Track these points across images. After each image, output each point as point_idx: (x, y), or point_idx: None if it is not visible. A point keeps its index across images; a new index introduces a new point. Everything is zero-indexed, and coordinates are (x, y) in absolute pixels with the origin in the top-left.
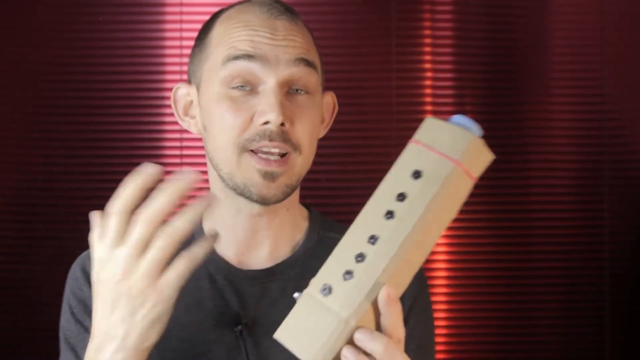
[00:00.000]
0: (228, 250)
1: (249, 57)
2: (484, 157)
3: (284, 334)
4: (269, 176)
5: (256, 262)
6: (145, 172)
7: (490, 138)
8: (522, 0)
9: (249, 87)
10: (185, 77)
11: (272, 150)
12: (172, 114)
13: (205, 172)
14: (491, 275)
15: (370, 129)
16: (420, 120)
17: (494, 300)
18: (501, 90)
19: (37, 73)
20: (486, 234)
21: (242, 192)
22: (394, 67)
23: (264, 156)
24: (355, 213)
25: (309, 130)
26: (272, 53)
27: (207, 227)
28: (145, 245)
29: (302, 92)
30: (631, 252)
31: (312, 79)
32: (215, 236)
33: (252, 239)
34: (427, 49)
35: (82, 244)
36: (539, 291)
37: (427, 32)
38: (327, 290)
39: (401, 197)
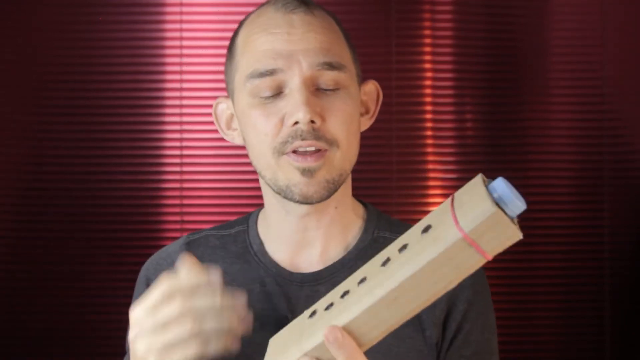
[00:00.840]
0: (279, 254)
1: (272, 72)
2: (506, 236)
3: (274, 341)
4: (307, 172)
5: (307, 264)
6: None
7: (490, 138)
8: (522, 0)
9: (276, 91)
10: (184, 77)
11: (308, 149)
12: (172, 114)
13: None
14: (491, 275)
15: (370, 129)
16: (420, 120)
17: (494, 300)
18: (501, 90)
19: (37, 73)
20: None
21: (285, 195)
22: (394, 67)
23: (300, 153)
24: None
25: (343, 123)
26: (293, 57)
27: (261, 231)
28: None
29: (332, 89)
30: (631, 252)
31: (339, 77)
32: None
33: (302, 239)
34: (427, 49)
35: (82, 244)
36: (539, 291)
37: (427, 32)
38: (313, 313)
39: (403, 248)
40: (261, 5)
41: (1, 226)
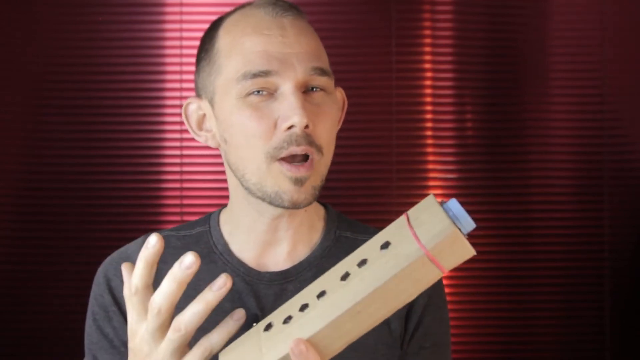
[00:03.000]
0: (246, 253)
1: (266, 73)
2: (462, 253)
3: (225, 356)
4: (298, 182)
5: (274, 263)
6: (149, 246)
7: (490, 138)
8: (522, 0)
9: (267, 91)
10: (184, 77)
11: (298, 159)
12: (172, 114)
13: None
14: (491, 275)
15: (370, 129)
16: (420, 120)
17: (494, 300)
18: (501, 90)
19: (37, 73)
20: (486, 234)
21: (272, 201)
22: (394, 67)
23: (291, 160)
24: (355, 213)
25: (329, 129)
26: (288, 61)
27: (226, 229)
28: (163, 326)
29: (319, 90)
30: (631, 252)
31: (327, 83)
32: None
33: (271, 239)
34: (427, 49)
35: (82, 244)
36: (539, 291)
37: (427, 32)
38: (269, 326)
39: (363, 262)
40: (238, 8)
41: (1, 226)
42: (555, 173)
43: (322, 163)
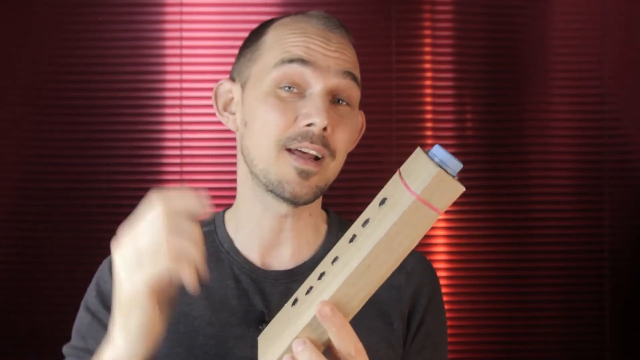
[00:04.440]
0: (252, 252)
1: (302, 61)
2: (452, 191)
3: (263, 337)
4: (304, 174)
5: (278, 263)
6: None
7: (490, 138)
8: (522, 0)
9: (297, 89)
10: (184, 77)
11: (311, 152)
12: (172, 114)
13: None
14: (491, 275)
15: (370, 129)
16: (420, 120)
17: (494, 300)
18: (501, 90)
19: (37, 73)
20: (486, 234)
21: (274, 189)
22: (394, 67)
23: (301, 154)
24: (355, 214)
25: (347, 139)
26: (324, 61)
27: (231, 226)
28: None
29: (345, 104)
30: (631, 252)
31: (355, 93)
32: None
33: (276, 239)
34: (427, 49)
35: (82, 244)
36: (539, 291)
37: (427, 32)
38: (295, 301)
39: (366, 222)
40: (298, 13)
41: (1, 226)
42: (555, 173)
43: (332, 167)
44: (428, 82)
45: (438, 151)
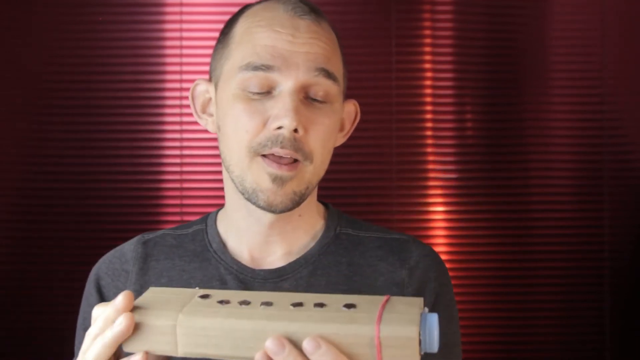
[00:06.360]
0: (242, 252)
1: (267, 67)
2: (405, 358)
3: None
4: (278, 180)
5: (269, 262)
6: (115, 325)
7: (490, 138)
8: (522, 0)
9: (266, 89)
10: (184, 77)
11: (283, 156)
12: (172, 114)
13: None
14: (491, 275)
15: (370, 129)
16: (420, 120)
17: (494, 300)
18: (501, 90)
19: (37, 73)
20: (486, 234)
21: (249, 198)
22: (394, 67)
23: (276, 159)
24: (355, 213)
25: (323, 138)
26: (293, 59)
27: (222, 227)
28: None
29: (320, 100)
30: (631, 252)
31: (331, 89)
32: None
33: (264, 242)
34: (427, 49)
35: (82, 244)
36: (539, 291)
37: (427, 32)
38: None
39: (320, 305)
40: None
41: (1, 226)
42: (555, 173)
43: (310, 170)
44: (428, 82)
45: (432, 320)
